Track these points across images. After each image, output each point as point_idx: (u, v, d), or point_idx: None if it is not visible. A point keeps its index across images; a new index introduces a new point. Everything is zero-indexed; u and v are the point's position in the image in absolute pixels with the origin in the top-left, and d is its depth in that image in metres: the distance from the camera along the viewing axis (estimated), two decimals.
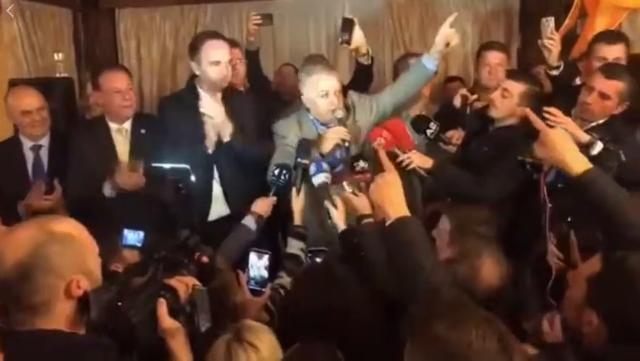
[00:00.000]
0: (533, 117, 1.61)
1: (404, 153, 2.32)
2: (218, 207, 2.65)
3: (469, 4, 4.13)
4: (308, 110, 2.44)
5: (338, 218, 2.05)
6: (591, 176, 1.45)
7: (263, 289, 1.86)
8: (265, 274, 1.94)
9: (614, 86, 2.27)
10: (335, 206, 2.06)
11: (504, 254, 2.40)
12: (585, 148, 2.20)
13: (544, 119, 2.25)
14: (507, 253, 2.41)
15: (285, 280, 1.97)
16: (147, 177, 2.48)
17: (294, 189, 2.19)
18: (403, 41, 4.21)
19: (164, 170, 2.32)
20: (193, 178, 2.33)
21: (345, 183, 2.09)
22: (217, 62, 2.50)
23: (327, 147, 2.28)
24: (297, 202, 2.20)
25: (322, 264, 2.01)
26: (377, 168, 2.16)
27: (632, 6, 2.91)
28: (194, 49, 2.55)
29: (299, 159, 2.20)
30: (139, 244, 1.82)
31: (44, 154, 2.79)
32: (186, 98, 2.63)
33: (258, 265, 1.94)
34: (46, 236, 1.12)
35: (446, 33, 2.35)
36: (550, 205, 2.18)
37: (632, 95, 2.32)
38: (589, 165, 1.47)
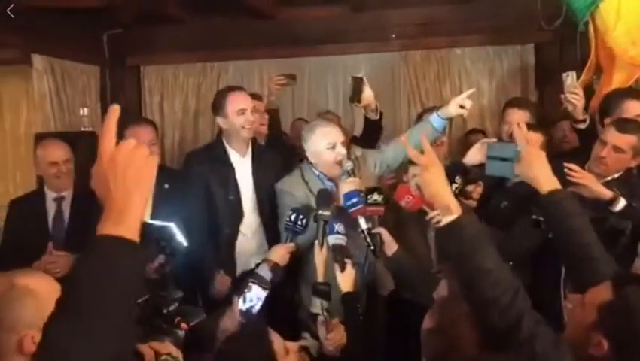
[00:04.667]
0: (517, 132, 1.65)
1: (432, 210, 2.28)
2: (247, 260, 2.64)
3: (485, 59, 4.20)
4: (312, 165, 2.44)
5: (343, 282, 2.00)
6: (559, 196, 1.53)
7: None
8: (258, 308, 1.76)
9: (628, 140, 2.27)
10: (342, 270, 2.00)
11: None
12: (608, 204, 2.18)
13: (564, 175, 2.26)
14: None
15: (310, 342, 1.88)
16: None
17: (316, 244, 2.10)
18: (420, 96, 4.28)
19: (149, 227, 2.18)
20: (180, 239, 2.18)
21: (360, 218, 2.07)
22: (243, 110, 2.60)
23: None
24: (320, 257, 2.08)
25: None
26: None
27: None
28: (218, 104, 2.64)
29: (320, 211, 2.12)
30: None
31: (65, 206, 2.82)
32: (216, 150, 2.71)
33: (259, 296, 1.76)
34: (4, 288, 1.11)
35: (460, 99, 2.40)
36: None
37: None
38: (559, 186, 1.55)
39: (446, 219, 1.36)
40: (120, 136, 2.93)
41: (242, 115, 2.59)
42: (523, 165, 1.59)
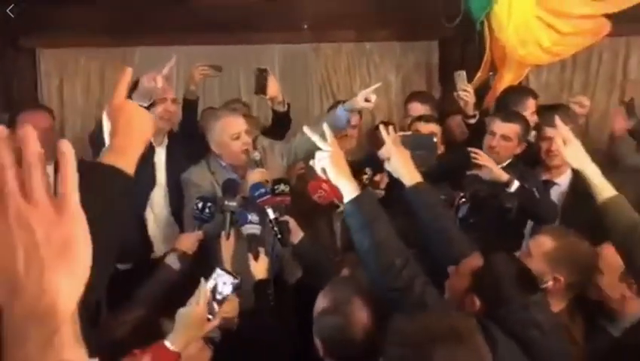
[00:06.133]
0: (385, 135, 1.86)
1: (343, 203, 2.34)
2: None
3: (393, 56, 4.35)
4: (218, 156, 2.41)
5: (257, 270, 2.04)
6: (423, 188, 1.78)
7: (211, 317, 1.63)
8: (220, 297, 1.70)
9: (512, 129, 2.53)
10: (256, 258, 2.04)
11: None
12: (504, 186, 2.41)
13: (462, 160, 2.46)
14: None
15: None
16: None
17: (222, 234, 2.12)
18: (332, 89, 4.36)
19: None
20: None
21: (267, 208, 2.11)
22: (163, 99, 2.51)
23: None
24: (227, 247, 2.10)
25: None
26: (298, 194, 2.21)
27: (533, 63, 3.21)
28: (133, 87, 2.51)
29: (226, 202, 2.14)
30: None
31: None
32: None
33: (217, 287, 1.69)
34: None
35: (366, 93, 2.47)
36: None
37: (527, 135, 2.62)
38: (421, 180, 1.79)
39: (349, 196, 1.56)
40: (12, 123, 2.72)
41: (161, 104, 2.50)
42: (392, 162, 1.82)
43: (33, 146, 0.55)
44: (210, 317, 1.64)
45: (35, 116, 2.58)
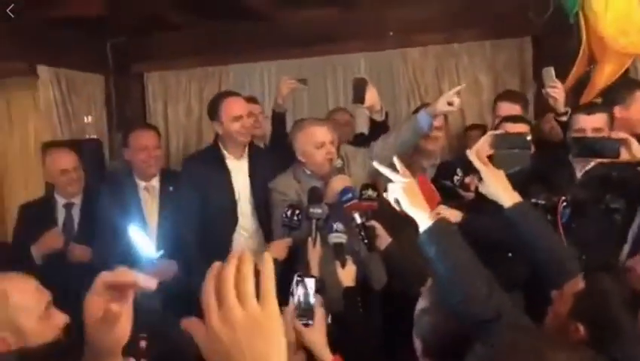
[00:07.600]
0: (474, 159, 1.74)
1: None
2: None
3: (483, 55, 4.22)
4: (303, 164, 2.46)
5: (344, 277, 2.06)
6: (523, 207, 1.66)
7: (311, 322, 1.69)
8: (311, 300, 1.74)
9: (600, 119, 2.35)
10: (343, 266, 2.06)
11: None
12: (637, 165, 2.17)
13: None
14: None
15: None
16: None
17: (309, 240, 2.18)
18: (419, 93, 4.31)
19: None
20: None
21: (355, 214, 2.13)
22: (239, 116, 2.61)
23: (332, 196, 2.27)
24: (314, 253, 2.16)
25: None
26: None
27: (636, 52, 2.96)
28: (214, 109, 2.66)
29: (311, 209, 2.19)
30: None
31: (75, 212, 2.90)
32: (212, 154, 2.75)
33: (299, 293, 1.74)
34: None
35: (448, 96, 2.40)
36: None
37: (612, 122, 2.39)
38: (520, 200, 1.66)
39: (423, 227, 1.49)
40: (125, 140, 2.99)
41: (237, 121, 2.60)
42: (486, 185, 1.72)
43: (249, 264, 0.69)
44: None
45: (144, 135, 2.83)
